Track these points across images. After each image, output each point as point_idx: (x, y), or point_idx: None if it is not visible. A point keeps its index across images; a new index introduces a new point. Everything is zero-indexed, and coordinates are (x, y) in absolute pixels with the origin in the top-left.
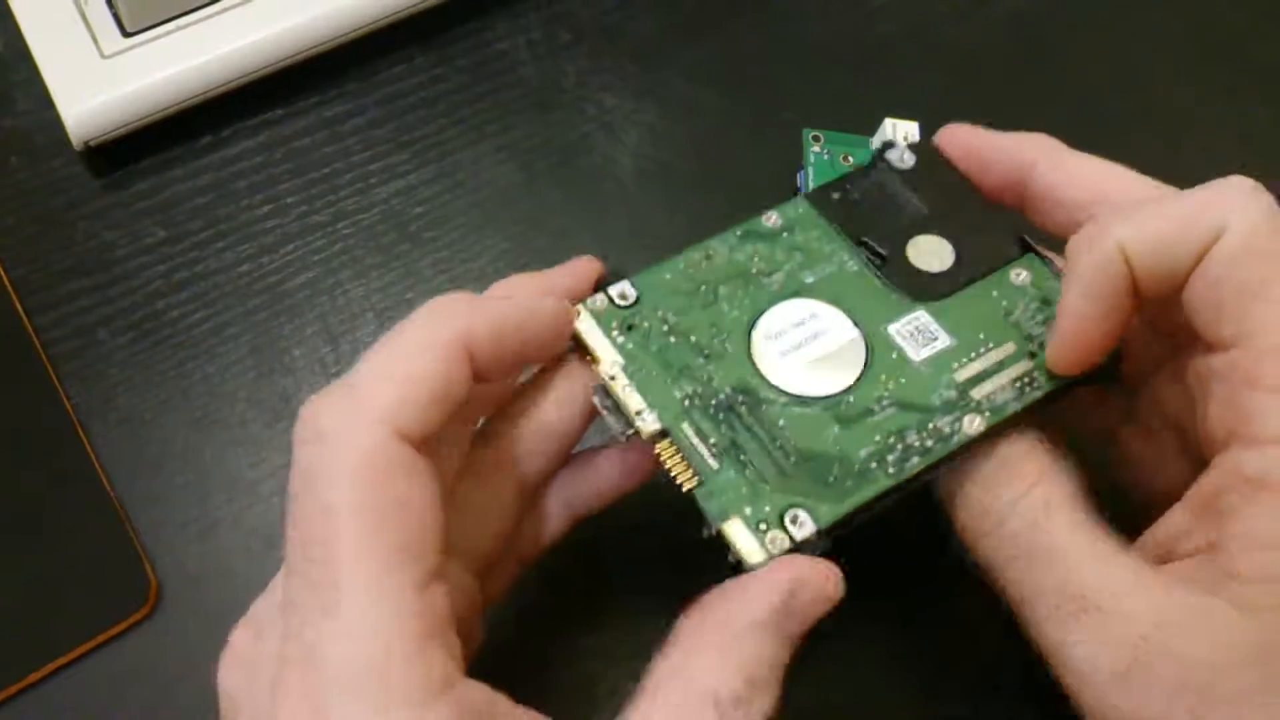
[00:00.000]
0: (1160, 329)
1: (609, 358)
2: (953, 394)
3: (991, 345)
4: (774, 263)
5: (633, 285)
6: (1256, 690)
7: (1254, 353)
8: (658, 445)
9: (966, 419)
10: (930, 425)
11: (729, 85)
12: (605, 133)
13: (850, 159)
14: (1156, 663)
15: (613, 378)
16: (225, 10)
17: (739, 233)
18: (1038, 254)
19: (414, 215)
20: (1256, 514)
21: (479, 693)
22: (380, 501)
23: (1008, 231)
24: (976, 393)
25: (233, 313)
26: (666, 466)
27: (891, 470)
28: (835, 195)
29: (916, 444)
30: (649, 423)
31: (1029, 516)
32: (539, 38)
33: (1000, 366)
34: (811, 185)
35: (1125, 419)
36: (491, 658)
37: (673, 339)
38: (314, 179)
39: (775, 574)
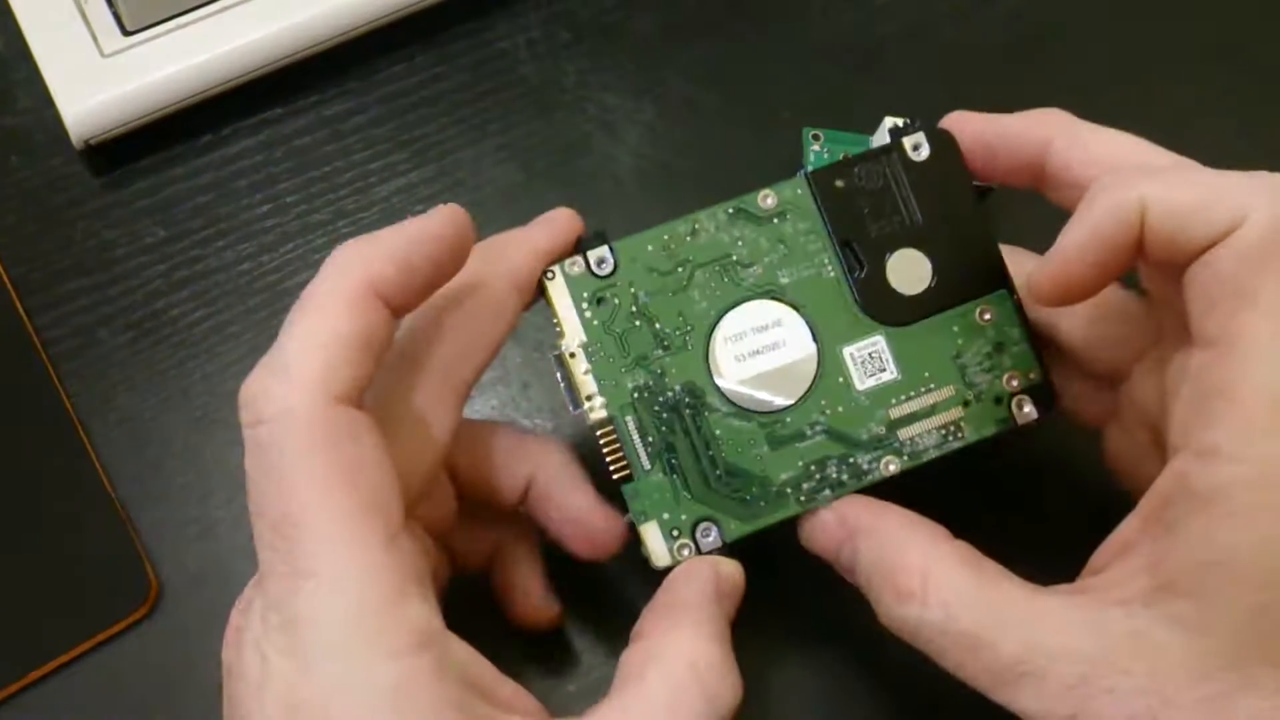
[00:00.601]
0: (1158, 299)
1: (573, 333)
2: (881, 430)
3: (933, 386)
4: (756, 252)
5: (612, 252)
6: (1193, 709)
7: (1230, 360)
8: (600, 430)
9: (885, 460)
10: (851, 460)
11: (729, 84)
12: (605, 132)
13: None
14: (1098, 702)
15: (572, 355)
16: (225, 9)
17: (730, 210)
18: (1011, 291)
19: (414, 214)
20: (1199, 530)
21: (461, 649)
22: (333, 466)
23: (992, 260)
24: (903, 433)
25: (233, 311)
26: (604, 451)
27: (803, 499)
28: (839, 182)
29: (833, 475)
30: (596, 410)
31: (935, 624)
32: (539, 37)
33: (933, 410)
34: None
35: (1112, 414)
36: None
37: (638, 323)
38: (314, 178)
39: (699, 564)
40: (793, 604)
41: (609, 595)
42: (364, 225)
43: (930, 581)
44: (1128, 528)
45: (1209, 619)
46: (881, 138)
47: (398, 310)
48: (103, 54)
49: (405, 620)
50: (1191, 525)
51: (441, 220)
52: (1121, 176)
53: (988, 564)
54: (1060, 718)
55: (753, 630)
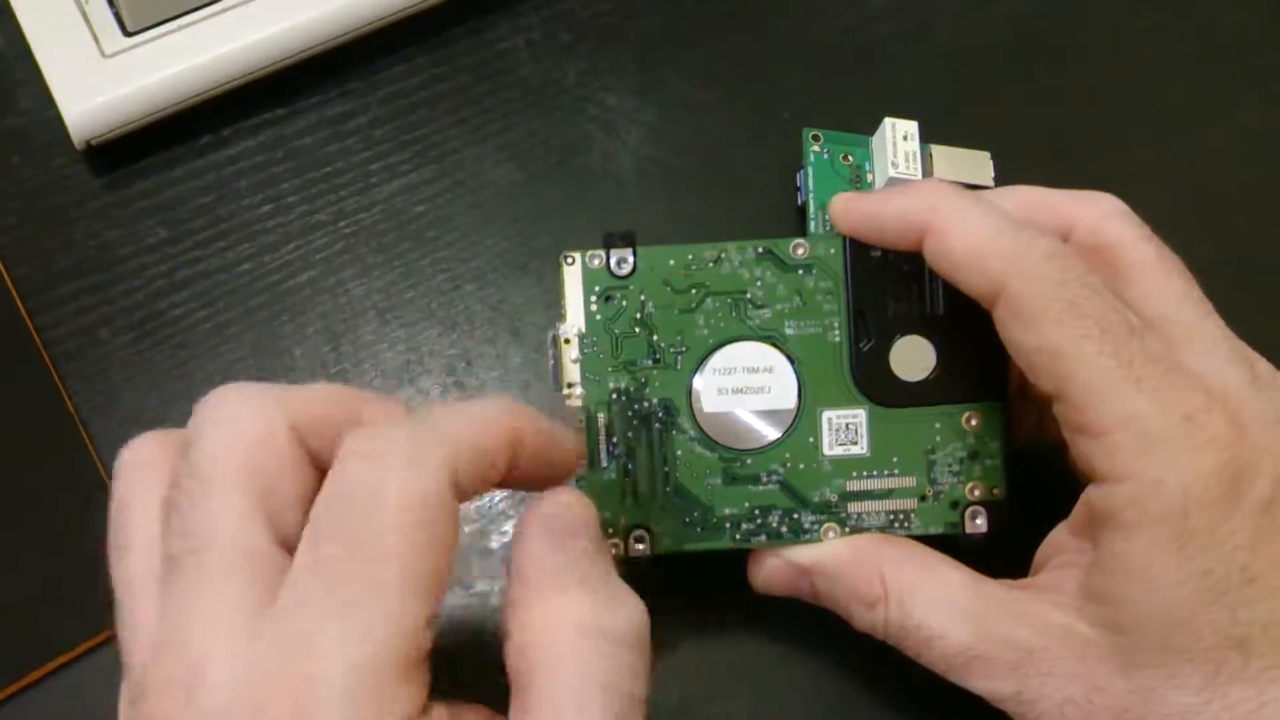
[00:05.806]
0: None
1: (574, 320)
2: (834, 497)
3: (897, 472)
4: (772, 296)
5: (634, 256)
6: (1125, 697)
7: (1072, 406)
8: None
9: (826, 526)
10: (795, 515)
11: (729, 84)
12: (605, 132)
13: (850, 159)
14: (1035, 683)
15: (567, 341)
16: (226, 10)
17: (760, 249)
18: (1005, 406)
19: (415, 214)
20: (1107, 544)
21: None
22: (425, 540)
23: (997, 371)
24: (853, 506)
25: (234, 312)
26: None
27: (738, 537)
28: (876, 253)
29: (773, 525)
30: (574, 398)
31: (895, 621)
32: (539, 37)
33: (889, 494)
34: (811, 185)
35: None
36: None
37: (637, 330)
38: (315, 178)
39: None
40: (793, 601)
41: None
42: (365, 225)
43: (888, 583)
44: (1060, 533)
45: (1126, 622)
46: (881, 138)
47: (506, 470)
48: (104, 54)
49: (412, 690)
50: (1102, 540)
51: (573, 446)
52: (940, 208)
53: (933, 556)
54: (1006, 694)
55: (754, 629)
